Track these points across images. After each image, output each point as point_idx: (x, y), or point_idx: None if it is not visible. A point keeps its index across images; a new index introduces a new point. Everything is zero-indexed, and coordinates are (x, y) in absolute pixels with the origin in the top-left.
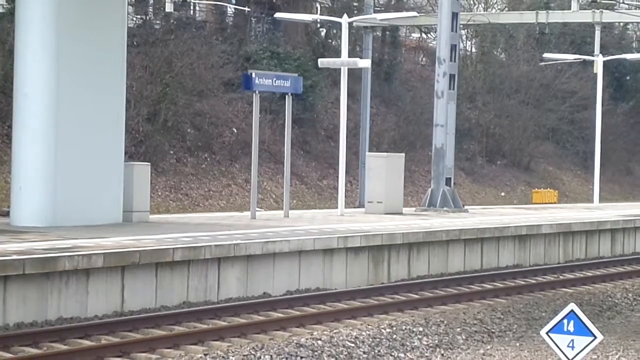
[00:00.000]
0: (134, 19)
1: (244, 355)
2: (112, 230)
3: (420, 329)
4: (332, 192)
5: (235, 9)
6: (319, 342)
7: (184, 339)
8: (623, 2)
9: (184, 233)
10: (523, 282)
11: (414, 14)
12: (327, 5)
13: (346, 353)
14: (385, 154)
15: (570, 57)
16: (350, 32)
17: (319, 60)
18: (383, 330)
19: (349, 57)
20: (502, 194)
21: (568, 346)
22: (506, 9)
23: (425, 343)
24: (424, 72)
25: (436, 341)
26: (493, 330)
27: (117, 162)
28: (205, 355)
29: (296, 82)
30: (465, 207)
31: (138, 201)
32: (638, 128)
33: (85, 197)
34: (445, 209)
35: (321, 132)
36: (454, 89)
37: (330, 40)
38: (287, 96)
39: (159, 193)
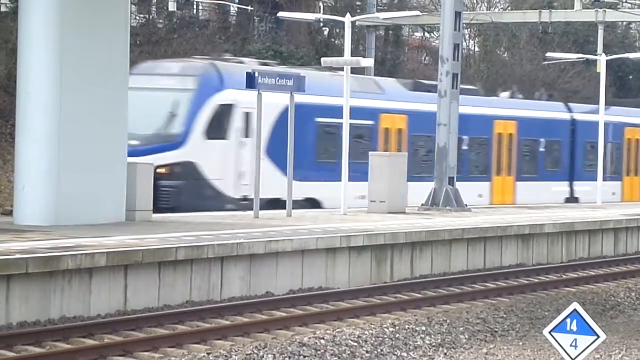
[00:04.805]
0: (137, 18)
1: (246, 354)
2: (115, 229)
3: (423, 328)
4: None
5: (238, 7)
6: (322, 341)
7: (187, 337)
8: (626, 2)
9: (186, 232)
10: (526, 282)
11: (417, 13)
12: (330, 4)
13: (349, 352)
14: (388, 153)
15: (573, 56)
16: (353, 31)
17: (322, 59)
18: (386, 330)
19: (352, 56)
20: None
21: (571, 345)
22: (509, 8)
23: (428, 342)
24: (427, 71)
25: (439, 340)
26: (496, 330)
27: (121, 161)
28: (208, 354)
29: (299, 81)
30: (468, 206)
31: (141, 200)
32: None
33: (89, 196)
34: (448, 208)
35: None
36: (457, 88)
37: (333, 39)
38: (290, 95)
39: None
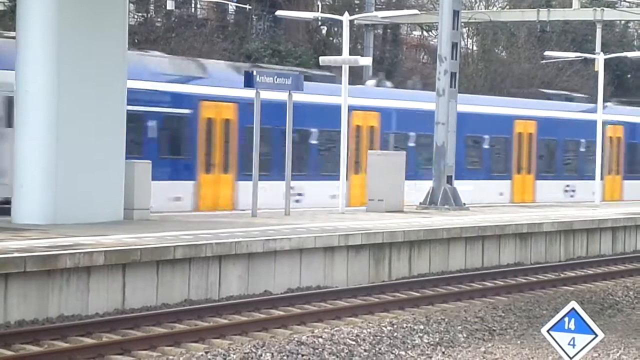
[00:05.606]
0: (135, 16)
1: (245, 353)
2: (113, 227)
3: (422, 326)
4: None
5: (236, 6)
6: (320, 339)
7: (185, 336)
8: (624, 0)
9: (185, 231)
10: (524, 280)
11: (415, 12)
12: (328, 3)
13: (347, 351)
14: (386, 151)
15: (571, 55)
16: (351, 29)
17: (320, 58)
18: (384, 328)
19: (350, 55)
20: None
21: (569, 344)
22: (507, 6)
23: (426, 341)
24: (425, 70)
25: (437, 339)
26: (494, 328)
27: (119, 159)
28: (206, 352)
29: (297, 80)
30: (466, 204)
31: (139, 199)
32: None
33: (87, 194)
34: (446, 206)
35: None
36: (455, 87)
37: (331, 38)
38: (288, 94)
39: None
